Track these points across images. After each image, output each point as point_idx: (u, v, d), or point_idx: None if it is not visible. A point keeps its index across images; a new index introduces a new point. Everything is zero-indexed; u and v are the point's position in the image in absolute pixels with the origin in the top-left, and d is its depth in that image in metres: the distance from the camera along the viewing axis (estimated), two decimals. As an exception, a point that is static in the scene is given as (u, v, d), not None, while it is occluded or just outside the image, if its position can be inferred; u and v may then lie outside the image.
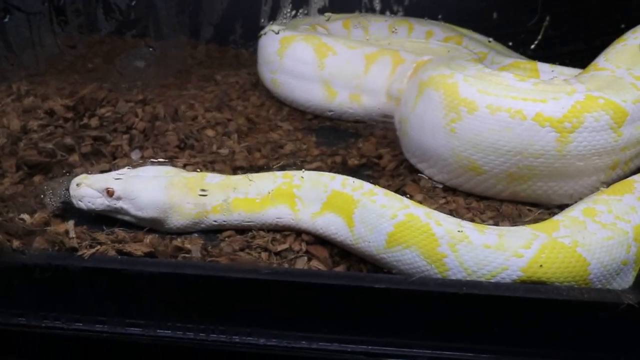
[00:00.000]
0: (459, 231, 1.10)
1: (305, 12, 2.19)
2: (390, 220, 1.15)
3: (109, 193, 1.22)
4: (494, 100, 1.37)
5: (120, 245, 1.09)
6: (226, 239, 1.29)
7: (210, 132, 1.83)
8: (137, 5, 2.18)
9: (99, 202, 1.23)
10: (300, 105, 2.11)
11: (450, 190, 1.53)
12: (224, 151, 1.72)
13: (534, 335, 1.03)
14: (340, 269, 1.21)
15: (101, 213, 1.25)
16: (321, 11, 2.19)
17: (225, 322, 1.02)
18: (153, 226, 1.26)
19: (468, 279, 1.09)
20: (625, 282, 1.17)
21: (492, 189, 1.45)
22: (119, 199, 1.23)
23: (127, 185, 1.24)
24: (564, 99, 1.30)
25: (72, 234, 1.06)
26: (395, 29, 2.27)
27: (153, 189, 1.25)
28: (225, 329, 1.03)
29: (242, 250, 1.25)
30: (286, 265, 1.18)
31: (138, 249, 1.06)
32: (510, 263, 1.08)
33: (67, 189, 1.27)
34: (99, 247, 1.07)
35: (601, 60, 1.53)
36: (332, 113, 2.07)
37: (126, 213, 1.24)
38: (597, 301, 1.00)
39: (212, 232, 1.30)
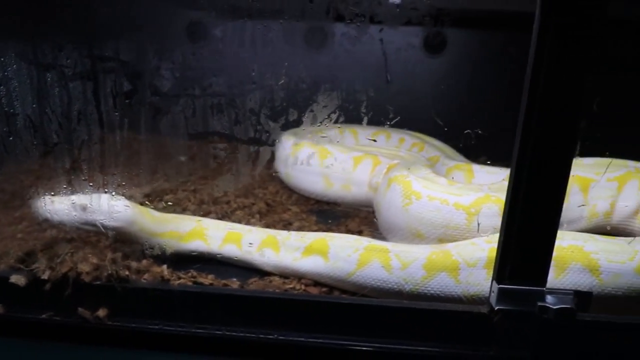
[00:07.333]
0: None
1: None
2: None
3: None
4: (432, 192, 2.07)
5: (194, 278, 1.76)
6: (253, 282, 1.93)
7: (239, 213, 2.47)
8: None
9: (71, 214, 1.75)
10: (306, 193, 2.80)
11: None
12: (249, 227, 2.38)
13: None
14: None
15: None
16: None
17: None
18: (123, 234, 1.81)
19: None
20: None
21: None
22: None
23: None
24: (472, 195, 2.02)
25: (165, 273, 1.74)
26: (376, 139, 3.08)
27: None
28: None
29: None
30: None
31: (205, 280, 1.74)
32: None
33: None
34: (181, 279, 1.74)
35: None
36: (329, 199, 2.77)
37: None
38: (466, 311, 1.50)
39: (245, 274, 1.93)
